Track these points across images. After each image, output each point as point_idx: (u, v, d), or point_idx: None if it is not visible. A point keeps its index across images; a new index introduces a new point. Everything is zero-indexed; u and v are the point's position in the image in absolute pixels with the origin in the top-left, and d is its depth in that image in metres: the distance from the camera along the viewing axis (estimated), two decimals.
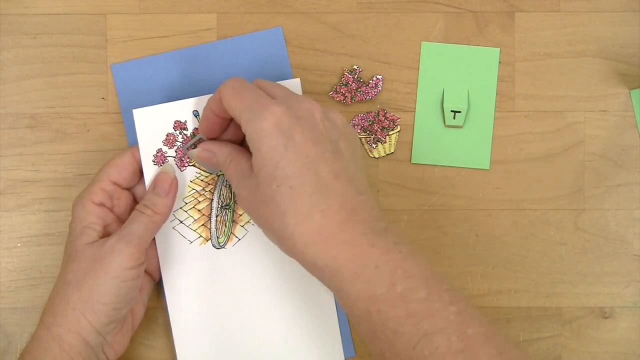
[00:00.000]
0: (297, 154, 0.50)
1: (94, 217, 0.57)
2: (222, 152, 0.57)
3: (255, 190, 0.52)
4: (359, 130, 0.64)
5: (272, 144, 0.50)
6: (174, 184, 0.59)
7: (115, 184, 0.59)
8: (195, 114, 0.61)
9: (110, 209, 0.59)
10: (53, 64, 0.64)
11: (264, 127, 0.50)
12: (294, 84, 0.61)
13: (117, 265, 0.54)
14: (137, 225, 0.56)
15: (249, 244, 0.61)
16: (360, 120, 0.64)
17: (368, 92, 0.64)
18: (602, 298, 0.64)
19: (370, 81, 0.64)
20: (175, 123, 0.61)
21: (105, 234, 0.57)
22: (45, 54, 0.64)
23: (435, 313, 0.48)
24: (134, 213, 0.58)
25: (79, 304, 0.54)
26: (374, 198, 0.54)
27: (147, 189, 0.60)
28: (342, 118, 0.54)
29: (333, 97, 0.64)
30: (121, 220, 0.59)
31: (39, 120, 0.64)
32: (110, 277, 0.54)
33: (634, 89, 0.64)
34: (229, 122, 0.58)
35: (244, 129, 0.52)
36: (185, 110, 0.60)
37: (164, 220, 0.58)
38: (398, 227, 0.52)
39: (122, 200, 0.60)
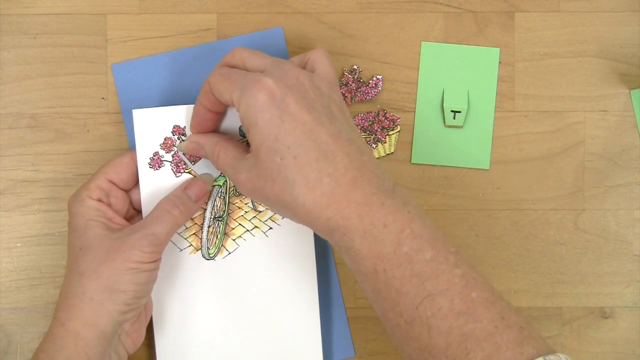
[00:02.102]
0: (295, 124, 0.50)
1: (95, 212, 0.57)
2: (208, 143, 0.57)
3: (256, 168, 0.52)
4: (359, 130, 0.64)
5: (267, 117, 0.50)
6: (206, 196, 0.60)
7: (112, 182, 0.59)
8: None
9: (109, 206, 0.58)
10: (53, 64, 0.64)
11: (258, 102, 0.51)
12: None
13: (136, 259, 0.54)
14: (163, 226, 0.56)
15: (239, 259, 0.61)
16: (360, 120, 0.64)
17: (368, 92, 0.64)
18: (602, 298, 0.64)
19: (370, 81, 0.64)
20: (174, 128, 0.60)
21: (110, 228, 0.57)
22: (45, 54, 0.64)
23: (440, 275, 0.48)
24: (159, 210, 0.57)
25: (96, 294, 0.54)
26: (375, 156, 0.55)
27: (141, 192, 0.60)
28: (327, 83, 0.54)
29: None
30: (121, 216, 0.59)
31: (39, 120, 0.64)
32: (127, 268, 0.54)
33: (634, 89, 0.64)
34: (220, 117, 0.58)
35: (237, 108, 0.52)
36: (185, 115, 0.60)
37: (184, 223, 0.58)
38: (405, 188, 0.53)
39: (119, 199, 0.59)
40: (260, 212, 0.61)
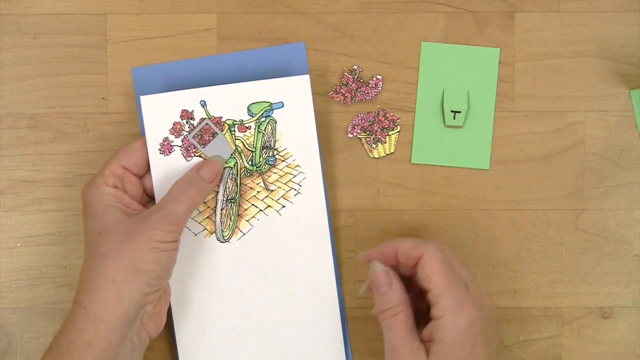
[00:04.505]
0: (479, 356, 0.54)
1: (112, 197, 0.57)
2: (396, 292, 0.57)
3: None
4: (358, 130, 0.64)
5: (462, 341, 0.53)
6: (219, 177, 0.60)
7: (125, 168, 0.59)
8: (202, 103, 0.61)
9: (124, 192, 0.58)
10: (53, 64, 0.64)
11: (461, 326, 0.53)
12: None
13: (157, 238, 0.55)
14: (180, 205, 0.56)
15: (254, 239, 0.61)
16: (360, 120, 0.64)
17: (368, 92, 0.64)
18: (602, 298, 0.64)
19: (370, 81, 0.64)
20: (182, 112, 0.61)
21: (127, 213, 0.57)
22: (45, 54, 0.64)
23: None
24: (175, 190, 0.57)
25: (119, 274, 0.54)
26: None
27: (153, 178, 0.60)
28: (498, 326, 0.58)
29: (333, 97, 0.64)
30: (137, 201, 0.59)
31: (39, 120, 0.64)
32: (149, 247, 0.54)
33: (634, 89, 0.64)
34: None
35: (437, 310, 0.54)
36: (193, 99, 0.61)
37: (200, 203, 0.59)
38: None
39: (134, 185, 0.59)
40: (272, 191, 0.61)
